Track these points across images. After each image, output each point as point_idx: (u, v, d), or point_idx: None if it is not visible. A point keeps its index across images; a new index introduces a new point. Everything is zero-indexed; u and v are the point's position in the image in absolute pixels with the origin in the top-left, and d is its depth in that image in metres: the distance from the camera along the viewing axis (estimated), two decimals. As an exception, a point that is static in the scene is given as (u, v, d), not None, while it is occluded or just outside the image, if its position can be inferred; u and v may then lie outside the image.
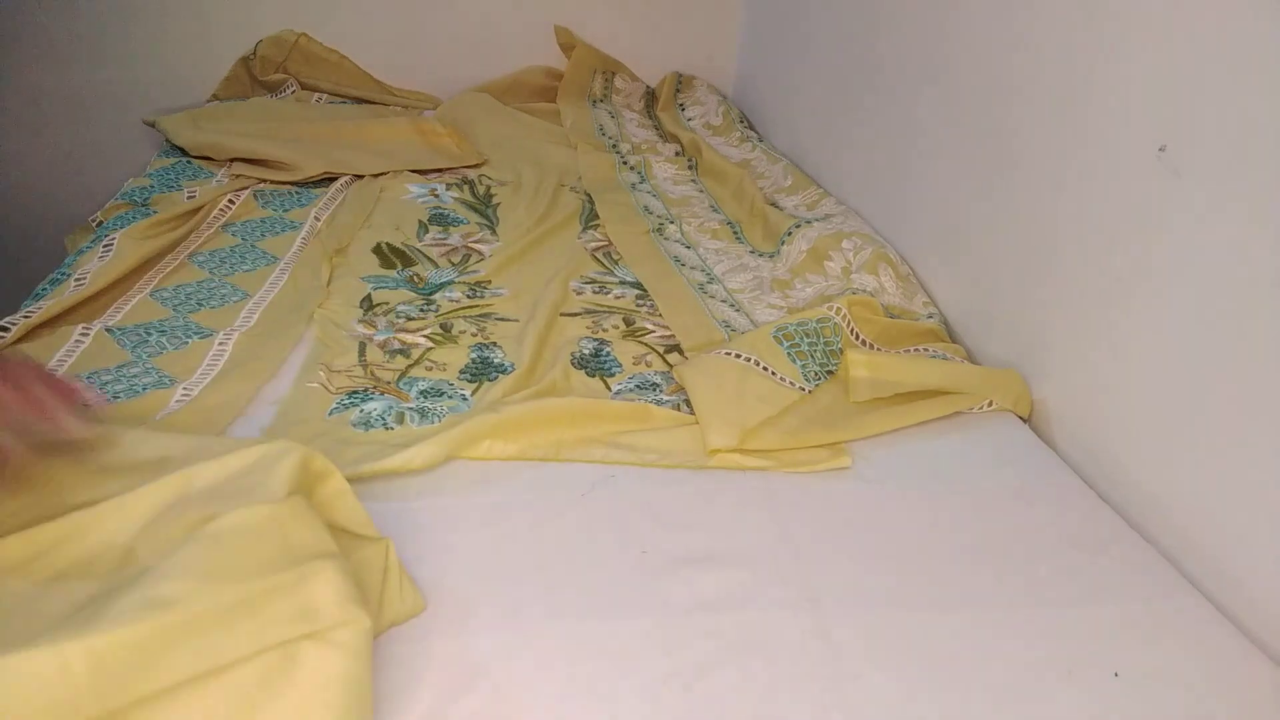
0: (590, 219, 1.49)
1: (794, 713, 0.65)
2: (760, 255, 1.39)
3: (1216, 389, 0.79)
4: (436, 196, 1.54)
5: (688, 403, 1.01)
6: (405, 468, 0.87)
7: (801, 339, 1.07)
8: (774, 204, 1.53)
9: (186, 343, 1.06)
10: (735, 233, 1.47)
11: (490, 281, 1.27)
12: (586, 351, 1.11)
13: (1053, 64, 0.99)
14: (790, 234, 1.36)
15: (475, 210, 1.50)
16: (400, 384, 1.02)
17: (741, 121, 1.92)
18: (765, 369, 1.03)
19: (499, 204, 1.53)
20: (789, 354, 1.05)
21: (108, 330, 1.06)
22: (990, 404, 1.02)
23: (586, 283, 1.29)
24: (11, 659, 0.52)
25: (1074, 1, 0.96)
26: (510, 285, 1.26)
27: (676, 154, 1.81)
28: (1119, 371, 0.91)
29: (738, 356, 1.03)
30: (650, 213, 1.53)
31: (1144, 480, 0.87)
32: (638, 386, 1.05)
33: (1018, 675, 0.69)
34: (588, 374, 1.06)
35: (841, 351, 1.06)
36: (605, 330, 1.16)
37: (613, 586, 0.76)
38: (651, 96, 2.08)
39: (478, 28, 2.01)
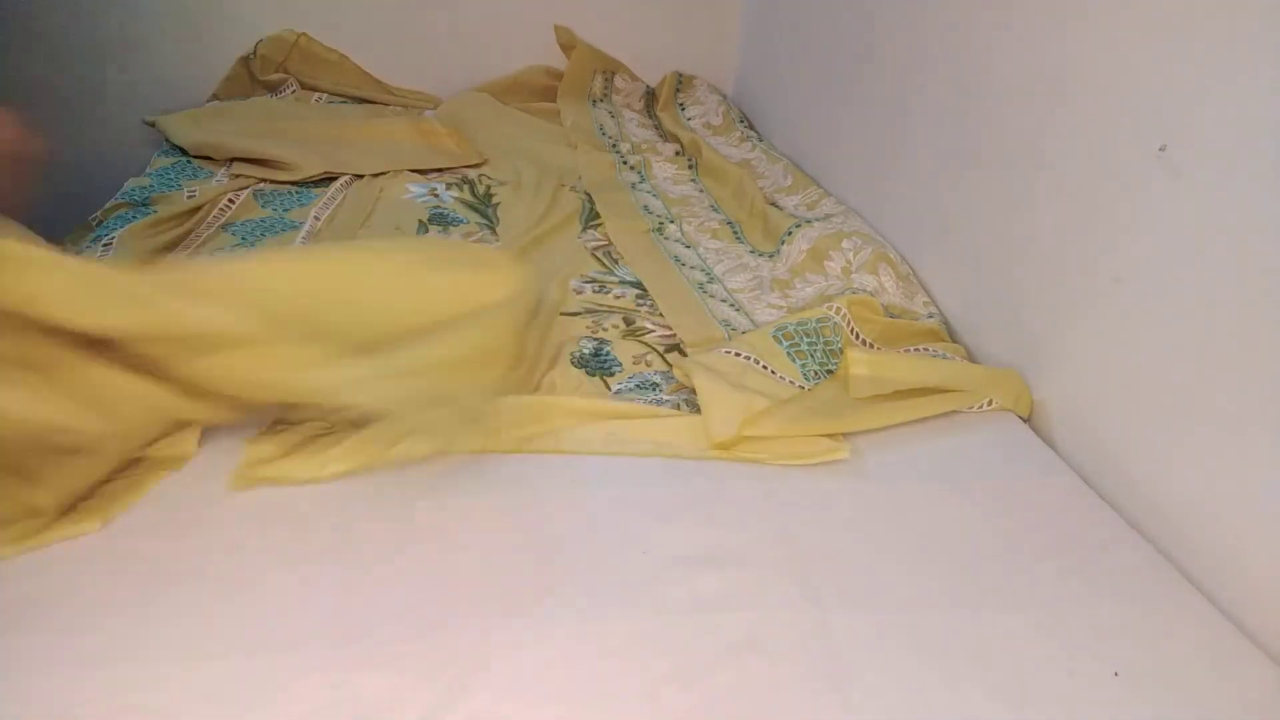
0: (590, 218, 1.49)
1: (794, 713, 0.65)
2: (760, 255, 1.39)
3: (1217, 389, 0.79)
4: (436, 196, 1.54)
5: (688, 402, 1.01)
6: (407, 456, 0.87)
7: (801, 339, 1.07)
8: (774, 204, 1.53)
9: (186, 342, 1.06)
10: (735, 232, 1.47)
11: (490, 281, 1.27)
12: (586, 351, 1.11)
13: (1054, 64, 0.99)
14: (790, 234, 1.36)
15: (475, 210, 1.50)
16: (400, 384, 1.02)
17: (741, 121, 1.92)
18: (765, 368, 1.03)
19: (499, 203, 1.53)
20: (789, 354, 1.05)
21: (107, 330, 1.06)
22: (990, 403, 1.02)
23: (586, 282, 1.29)
24: None
25: (1075, 2, 0.96)
26: (510, 285, 1.26)
27: (676, 154, 1.81)
28: (1118, 371, 0.91)
29: (738, 355, 1.04)
30: (650, 212, 1.53)
31: (1144, 480, 0.87)
32: (638, 386, 1.05)
33: (1018, 675, 0.69)
34: (588, 373, 1.06)
35: (841, 351, 1.06)
36: (605, 330, 1.16)
37: (613, 586, 0.76)
38: (651, 96, 2.08)
39: (478, 28, 2.01)
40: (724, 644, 0.70)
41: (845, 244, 1.29)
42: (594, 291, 1.27)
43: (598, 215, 1.50)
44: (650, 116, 2.01)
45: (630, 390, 1.04)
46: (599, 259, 1.36)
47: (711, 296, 1.26)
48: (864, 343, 1.11)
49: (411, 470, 0.87)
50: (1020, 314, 1.06)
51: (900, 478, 0.91)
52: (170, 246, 1.27)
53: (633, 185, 1.64)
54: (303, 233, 1.37)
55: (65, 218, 1.60)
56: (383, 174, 1.59)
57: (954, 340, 1.18)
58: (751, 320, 1.20)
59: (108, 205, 1.40)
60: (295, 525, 0.80)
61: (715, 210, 1.56)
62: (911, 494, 0.89)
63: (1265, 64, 0.73)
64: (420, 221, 1.43)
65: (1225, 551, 0.78)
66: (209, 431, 0.91)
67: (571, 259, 1.34)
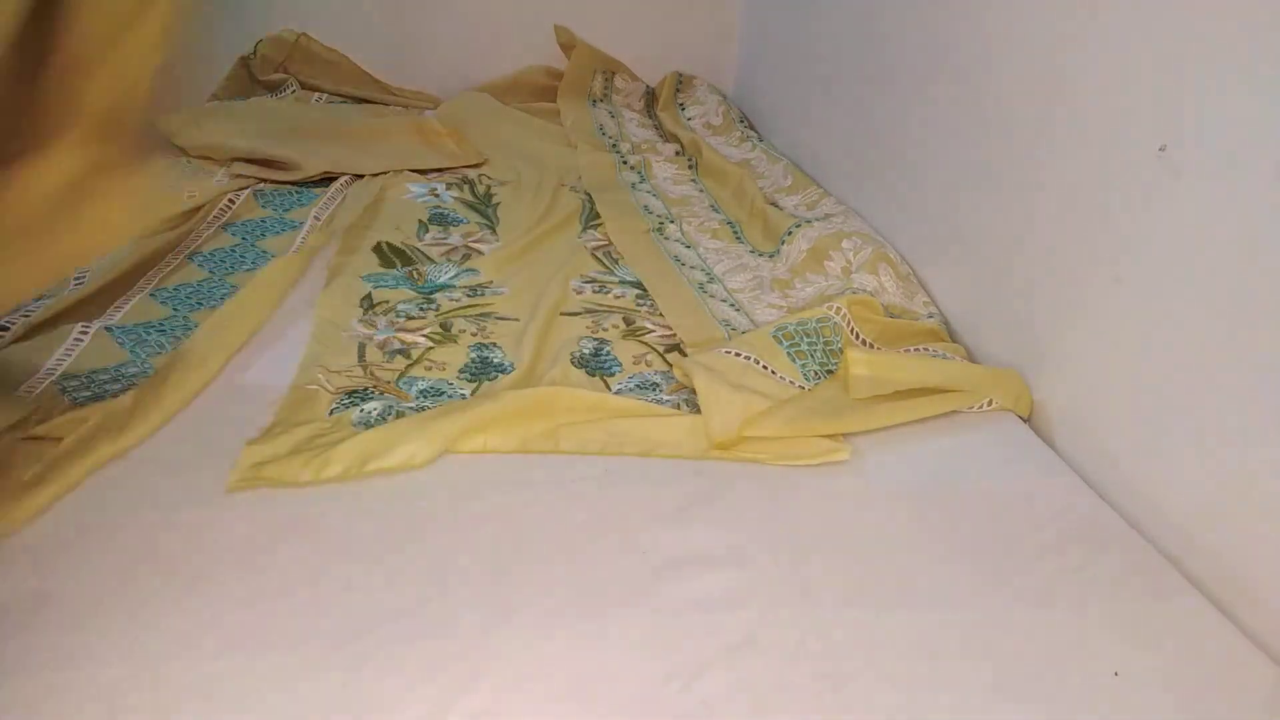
0: (590, 218, 1.49)
1: (794, 713, 0.65)
2: (760, 255, 1.39)
3: (1217, 389, 0.79)
4: (437, 196, 1.54)
5: (688, 402, 1.01)
6: (407, 465, 0.87)
7: (801, 339, 1.07)
8: (774, 204, 1.53)
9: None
10: (735, 232, 1.47)
11: (490, 281, 1.27)
12: (586, 351, 1.11)
13: (1053, 64, 0.99)
14: (790, 234, 1.36)
15: (475, 210, 1.50)
16: (400, 384, 1.02)
17: (741, 121, 1.92)
18: (765, 368, 1.03)
19: (499, 203, 1.53)
20: (789, 354, 1.05)
21: (107, 329, 1.06)
22: (990, 403, 1.02)
23: (586, 282, 1.29)
24: None
25: (1075, 2, 0.96)
26: (510, 284, 1.26)
27: (676, 154, 1.81)
28: (1119, 371, 0.91)
29: (738, 355, 1.03)
30: (650, 212, 1.53)
31: (1144, 480, 0.87)
32: (638, 386, 1.05)
33: (1018, 675, 0.69)
34: (588, 373, 1.06)
35: (841, 351, 1.06)
36: (605, 330, 1.16)
37: (613, 586, 0.76)
38: (651, 96, 2.08)
39: (478, 28, 2.01)
40: (724, 644, 0.70)
41: (845, 244, 1.29)
42: (594, 291, 1.27)
43: (598, 215, 1.50)
44: (650, 116, 2.01)
45: (630, 390, 1.04)
46: (599, 259, 1.36)
47: (711, 296, 1.26)
48: (864, 343, 1.11)
49: (411, 470, 0.87)
50: (1020, 314, 1.06)
51: (900, 478, 0.91)
52: (170, 247, 1.27)
53: (633, 185, 1.64)
54: (302, 232, 1.37)
55: (65, 218, 1.60)
56: (383, 174, 1.59)
57: (954, 340, 1.18)
58: (751, 320, 1.20)
59: (108, 205, 1.40)
60: (295, 526, 0.80)
61: (715, 210, 1.56)
62: (911, 494, 0.89)
63: (1265, 64, 0.73)
64: (420, 221, 1.43)
65: (1225, 551, 0.78)
66: (206, 433, 0.91)
67: (571, 259, 1.34)
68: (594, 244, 1.41)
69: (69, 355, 1.01)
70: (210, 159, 1.58)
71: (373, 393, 1.00)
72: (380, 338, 1.11)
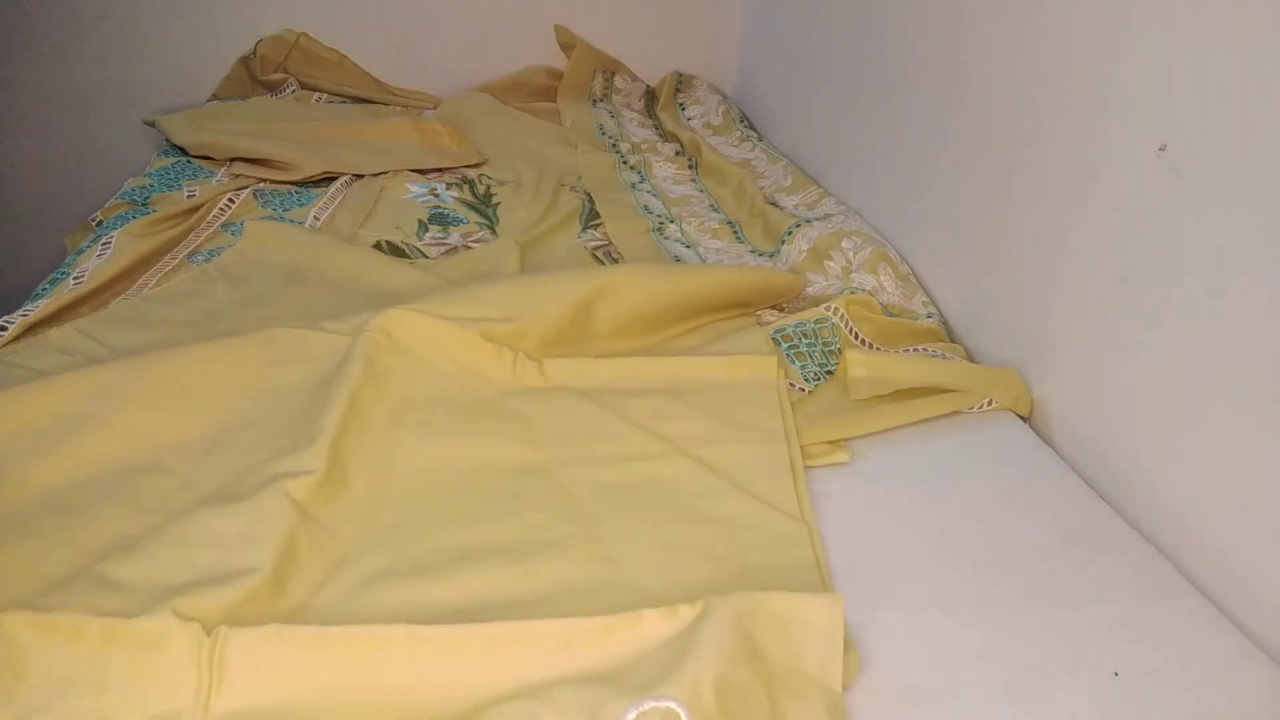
0: (590, 218, 1.49)
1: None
2: (760, 255, 1.39)
3: (1217, 388, 0.79)
4: (436, 196, 1.54)
5: (687, 402, 1.01)
6: None
7: (800, 340, 1.07)
8: (774, 203, 1.53)
9: (186, 342, 1.06)
10: (735, 232, 1.47)
11: (490, 281, 1.27)
12: (586, 351, 1.11)
13: (1053, 64, 0.99)
14: (790, 233, 1.36)
15: (475, 210, 1.50)
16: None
17: (741, 121, 1.92)
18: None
19: (499, 203, 1.53)
20: (788, 355, 1.05)
21: (107, 329, 1.06)
22: (990, 403, 1.02)
23: (586, 282, 1.28)
24: None
25: (1075, 1, 0.96)
26: (510, 285, 1.26)
27: (676, 153, 1.81)
28: (1119, 371, 0.91)
29: (737, 356, 1.04)
30: (650, 212, 1.53)
31: (1144, 480, 0.87)
32: (637, 386, 1.05)
33: (1018, 675, 0.69)
34: (587, 373, 1.06)
35: (840, 351, 1.06)
36: (605, 330, 1.16)
37: (612, 586, 0.76)
38: (651, 96, 2.08)
39: (478, 28, 2.01)
40: (723, 644, 0.70)
41: (845, 243, 1.29)
42: (594, 291, 1.26)
43: (597, 215, 1.50)
44: (650, 116, 2.01)
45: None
46: (599, 259, 1.36)
47: (711, 296, 1.26)
48: (863, 342, 1.11)
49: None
50: (1020, 314, 1.06)
51: (900, 478, 0.91)
52: (169, 246, 1.27)
53: (633, 185, 1.63)
54: (302, 232, 1.36)
55: (65, 218, 1.60)
56: (383, 174, 1.59)
57: (954, 340, 1.18)
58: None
59: (108, 205, 1.40)
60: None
61: (715, 210, 1.56)
62: (911, 494, 0.89)
63: (1265, 64, 0.73)
64: (420, 221, 1.43)
65: (1225, 551, 0.78)
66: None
67: (571, 259, 1.34)
68: (594, 244, 1.41)
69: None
70: (210, 159, 1.58)
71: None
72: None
